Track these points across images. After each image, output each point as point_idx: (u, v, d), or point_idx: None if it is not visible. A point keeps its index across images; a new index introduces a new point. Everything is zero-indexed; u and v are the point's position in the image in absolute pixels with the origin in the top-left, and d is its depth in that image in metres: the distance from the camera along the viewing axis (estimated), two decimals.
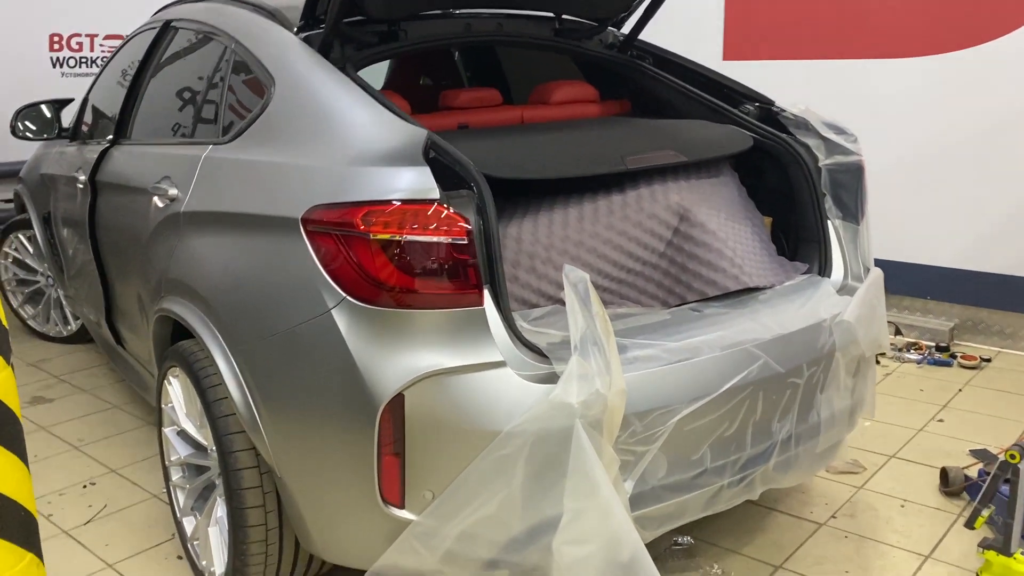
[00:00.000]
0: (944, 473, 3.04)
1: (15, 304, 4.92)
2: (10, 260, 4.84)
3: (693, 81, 3.00)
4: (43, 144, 4.47)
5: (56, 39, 5.80)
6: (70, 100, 4.10)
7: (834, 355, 2.36)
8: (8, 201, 5.15)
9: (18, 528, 1.24)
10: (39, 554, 1.29)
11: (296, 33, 2.50)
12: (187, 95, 2.91)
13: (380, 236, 1.87)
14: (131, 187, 2.96)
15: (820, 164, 2.62)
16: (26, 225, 4.63)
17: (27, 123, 3.91)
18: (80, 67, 5.93)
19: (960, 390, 3.98)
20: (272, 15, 2.64)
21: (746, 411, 2.18)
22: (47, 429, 3.70)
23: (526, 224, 2.27)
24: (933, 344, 4.47)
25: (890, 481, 3.13)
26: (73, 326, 4.75)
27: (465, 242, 1.88)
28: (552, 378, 1.92)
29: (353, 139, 2.08)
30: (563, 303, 2.05)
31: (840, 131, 2.64)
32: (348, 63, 2.44)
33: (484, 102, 2.92)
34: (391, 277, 1.88)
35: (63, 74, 5.85)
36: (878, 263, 2.70)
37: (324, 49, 2.42)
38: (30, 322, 4.89)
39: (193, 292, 2.37)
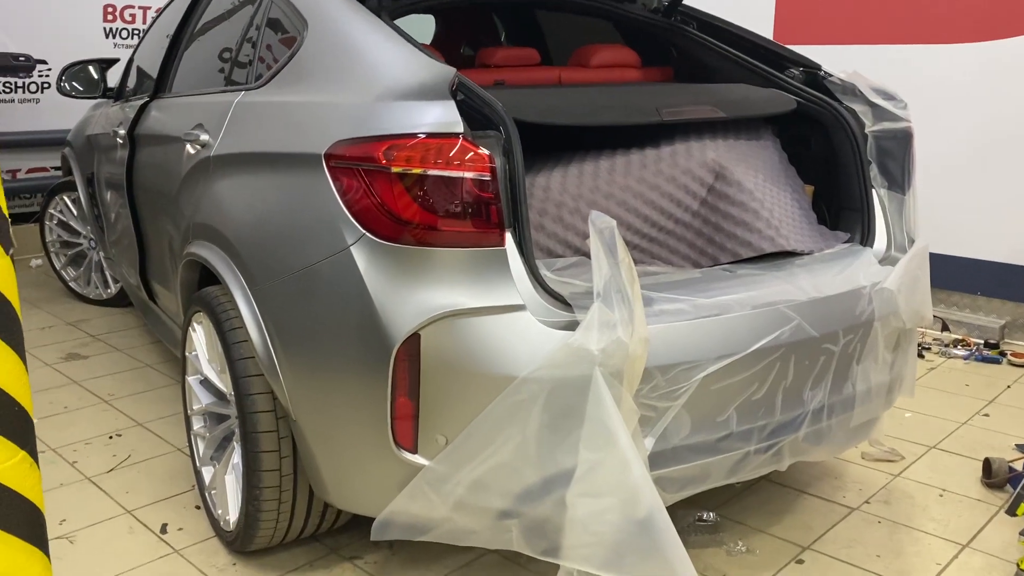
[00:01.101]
0: (987, 464, 2.91)
1: (58, 266, 5.00)
2: (55, 222, 4.92)
3: (739, 46, 2.91)
4: (90, 107, 4.53)
5: (110, 10, 5.89)
6: (116, 60, 4.15)
7: (873, 324, 2.26)
8: (57, 168, 5.24)
9: (12, 422, 1.21)
10: (33, 453, 1.26)
11: None
12: (224, 46, 2.91)
13: (402, 170, 1.83)
14: (167, 136, 2.97)
15: (867, 130, 2.52)
16: (71, 187, 4.70)
17: (74, 82, 3.96)
18: (132, 38, 6.02)
19: (1008, 387, 3.82)
20: None
21: (776, 375, 2.09)
22: (79, 383, 3.74)
23: (555, 174, 2.21)
24: (982, 341, 4.30)
25: (929, 471, 3.00)
26: (112, 289, 4.81)
27: (488, 179, 1.83)
28: (573, 326, 1.86)
29: (380, 75, 2.04)
30: (589, 255, 1.99)
31: (889, 96, 2.53)
32: (383, 11, 2.41)
33: (522, 60, 2.86)
34: (412, 213, 1.83)
35: (115, 45, 5.93)
36: None
37: None
38: (72, 284, 4.97)
39: (218, 234, 2.35)
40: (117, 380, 3.79)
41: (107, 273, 4.79)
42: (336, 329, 1.95)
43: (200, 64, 3.11)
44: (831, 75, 2.66)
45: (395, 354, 1.83)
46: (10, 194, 5.78)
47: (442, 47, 4.10)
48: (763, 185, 2.36)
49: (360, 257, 1.88)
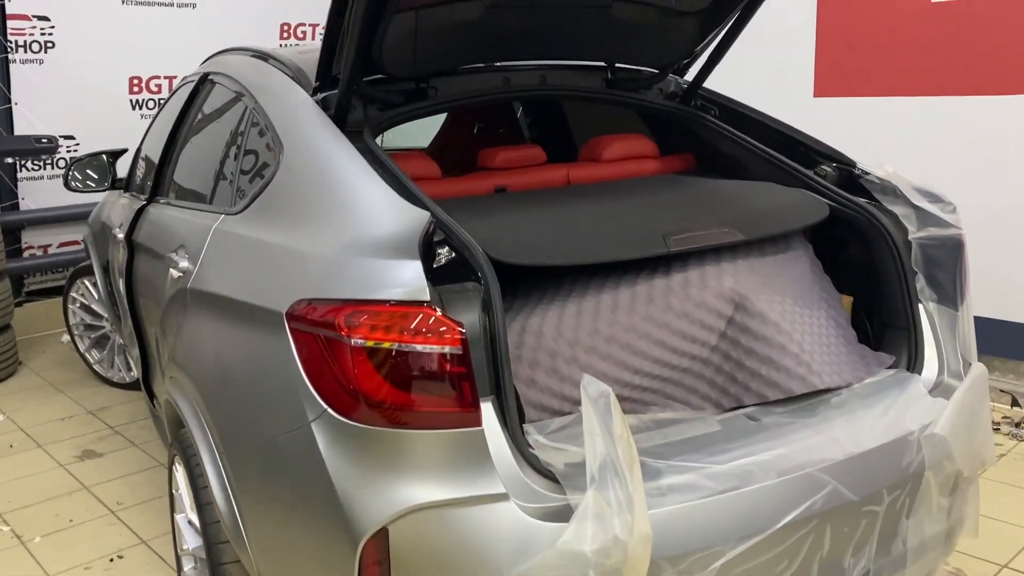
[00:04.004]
0: None
1: (82, 348, 4.94)
2: (77, 305, 4.86)
3: (763, 136, 2.64)
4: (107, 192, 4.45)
5: (135, 81, 5.86)
6: (124, 151, 4.04)
7: (923, 475, 1.96)
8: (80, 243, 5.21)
9: None
10: None
11: (313, 94, 2.29)
12: (211, 156, 2.75)
13: (362, 341, 1.61)
14: (156, 253, 2.82)
15: (910, 237, 2.22)
16: (92, 271, 4.62)
17: (80, 175, 3.86)
18: (159, 109, 5.97)
19: None
20: (291, 72, 2.43)
21: (810, 548, 1.80)
22: (89, 488, 3.61)
23: (549, 315, 1.97)
24: None
25: None
26: (135, 372, 4.71)
27: (460, 352, 1.60)
28: (566, 512, 1.61)
29: (348, 220, 1.84)
30: None
31: (935, 198, 2.23)
32: (367, 127, 2.21)
33: (525, 161, 2.64)
34: (374, 389, 1.62)
35: (142, 116, 5.89)
36: (990, 322, 2.26)
37: (340, 112, 2.19)
38: (96, 367, 4.89)
39: (190, 381, 2.17)
40: (128, 485, 3.65)
41: (128, 356, 4.69)
42: (300, 511, 1.75)
43: (190, 171, 2.96)
44: (868, 173, 2.37)
45: (361, 550, 1.61)
46: (42, 269, 5.77)
47: (456, 123, 3.92)
48: (791, 311, 2.09)
49: (321, 435, 1.67)
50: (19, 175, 5.53)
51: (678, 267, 2.07)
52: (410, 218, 1.74)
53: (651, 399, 2.03)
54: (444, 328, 1.59)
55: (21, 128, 5.40)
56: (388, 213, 1.79)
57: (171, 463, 2.47)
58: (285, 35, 6.49)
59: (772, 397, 2.01)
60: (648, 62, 2.74)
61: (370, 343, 1.61)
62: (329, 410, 1.66)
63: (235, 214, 2.29)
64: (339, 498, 1.63)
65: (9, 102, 5.35)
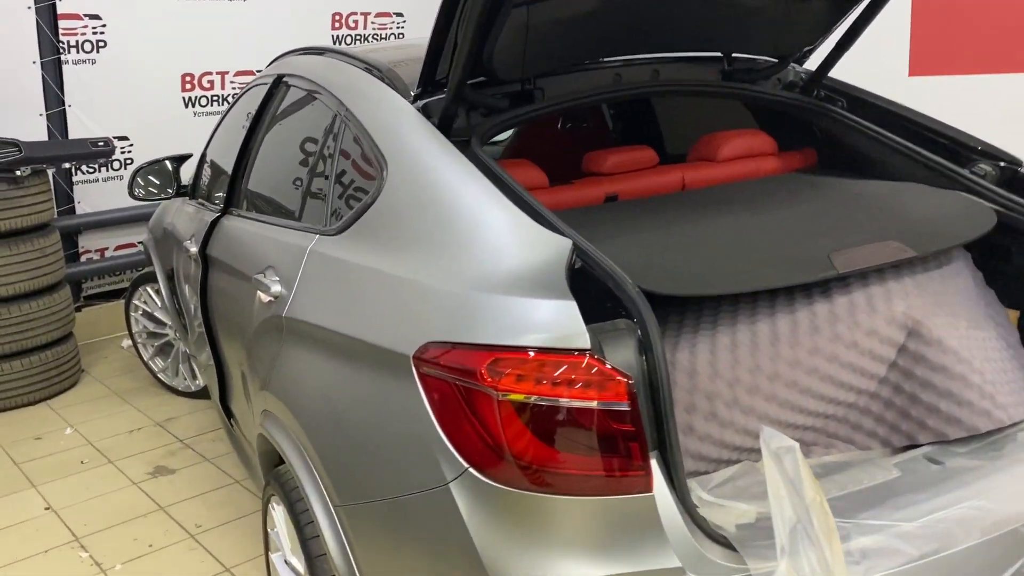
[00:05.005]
0: None
1: (146, 356, 4.82)
2: (140, 313, 4.73)
3: (901, 129, 2.38)
4: None
5: (188, 79, 5.70)
6: (188, 156, 3.88)
7: None
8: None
9: None
10: None
11: (413, 101, 2.09)
12: (295, 167, 2.56)
13: (509, 394, 1.41)
14: (238, 271, 2.64)
15: None
16: (153, 278, 4.49)
17: (143, 182, 3.71)
18: (212, 105, 5.82)
19: None
20: (384, 76, 2.23)
21: None
22: (165, 509, 3.48)
23: (700, 350, 1.74)
24: None
25: None
26: (201, 381, 4.58)
27: (626, 408, 1.39)
28: None
29: (476, 251, 1.62)
30: (753, 454, 1.53)
31: None
32: (474, 135, 2.00)
33: (637, 164, 2.41)
34: (527, 451, 1.41)
35: (195, 114, 5.74)
36: None
37: (446, 121, 1.99)
38: (160, 375, 4.77)
39: (292, 419, 1.99)
40: (205, 504, 3.51)
41: (193, 364, 4.56)
42: None
43: (271, 182, 2.77)
44: None
45: None
46: (100, 272, 5.67)
47: (537, 125, 3.68)
48: (967, 335, 1.84)
49: (463, 499, 1.47)
50: (74, 178, 5.41)
51: (839, 289, 1.83)
52: (551, 247, 1.53)
53: (812, 439, 1.81)
54: (609, 380, 1.38)
55: (75, 131, 5.27)
56: (523, 240, 1.58)
57: (267, 502, 2.30)
58: (337, 24, 6.29)
59: (953, 436, 1.77)
60: (768, 51, 2.49)
61: (520, 397, 1.40)
62: (471, 469, 1.46)
63: (332, 235, 2.09)
64: (486, 571, 1.44)
65: (63, 104, 5.22)
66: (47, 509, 3.51)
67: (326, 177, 2.30)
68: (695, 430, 1.69)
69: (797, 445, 1.40)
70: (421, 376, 1.55)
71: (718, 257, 1.79)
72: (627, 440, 1.39)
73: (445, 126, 1.99)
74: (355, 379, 1.76)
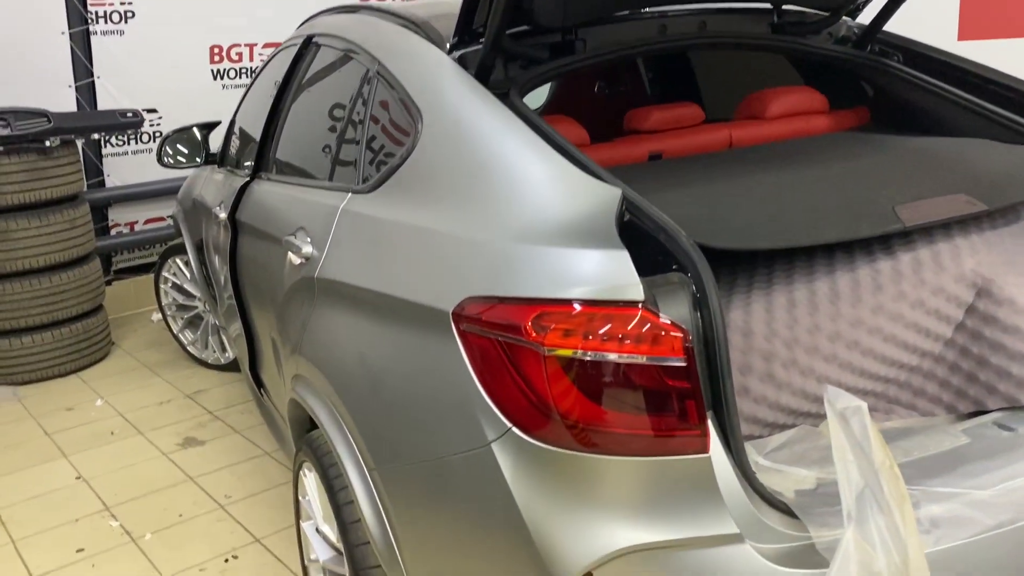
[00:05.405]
0: None
1: (175, 329, 4.80)
2: (169, 285, 4.71)
3: (963, 84, 2.25)
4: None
5: (216, 51, 5.64)
6: (217, 123, 3.82)
7: None
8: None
9: None
10: None
11: (449, 52, 2.00)
12: (327, 126, 2.48)
13: (557, 350, 1.33)
14: (268, 234, 2.57)
15: None
16: (183, 250, 4.45)
17: (172, 150, 3.65)
18: (240, 78, 5.76)
19: None
20: (420, 29, 2.14)
21: None
22: (195, 480, 3.45)
23: (755, 308, 1.64)
24: None
25: None
26: (230, 354, 4.55)
27: (683, 364, 1.30)
28: (808, 555, 1.31)
29: (520, 202, 1.54)
30: (811, 418, 1.44)
31: None
32: (513, 87, 1.91)
33: (681, 122, 2.31)
34: (573, 406, 1.33)
35: (224, 87, 5.68)
36: None
37: (483, 71, 1.89)
38: (189, 348, 4.75)
39: (325, 382, 1.92)
40: (234, 475, 3.48)
41: (223, 337, 4.53)
42: (478, 549, 1.48)
43: (301, 144, 2.70)
44: None
45: None
46: (130, 246, 5.65)
47: (569, 83, 3.58)
48: None
49: (505, 459, 1.39)
50: (103, 151, 5.38)
51: (902, 245, 1.72)
52: (599, 195, 1.44)
53: (871, 404, 1.70)
54: (664, 334, 1.29)
55: (104, 103, 5.24)
56: (569, 190, 1.49)
57: (298, 468, 2.24)
58: None
59: None
60: (819, 3, 2.37)
61: (568, 352, 1.32)
62: (515, 429, 1.38)
63: (365, 192, 2.02)
64: (531, 534, 1.36)
65: (92, 76, 5.19)
66: (78, 478, 3.49)
67: (358, 135, 2.22)
68: (750, 392, 1.59)
69: (865, 405, 1.30)
70: (461, 333, 1.47)
71: (774, 211, 1.68)
72: (682, 398, 1.30)
73: (483, 77, 1.90)
74: (390, 338, 1.69)
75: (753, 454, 1.46)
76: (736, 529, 1.31)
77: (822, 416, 1.51)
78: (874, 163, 1.98)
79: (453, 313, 1.48)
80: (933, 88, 2.25)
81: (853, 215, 1.65)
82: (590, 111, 2.92)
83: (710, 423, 1.34)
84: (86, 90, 5.21)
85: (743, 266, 1.75)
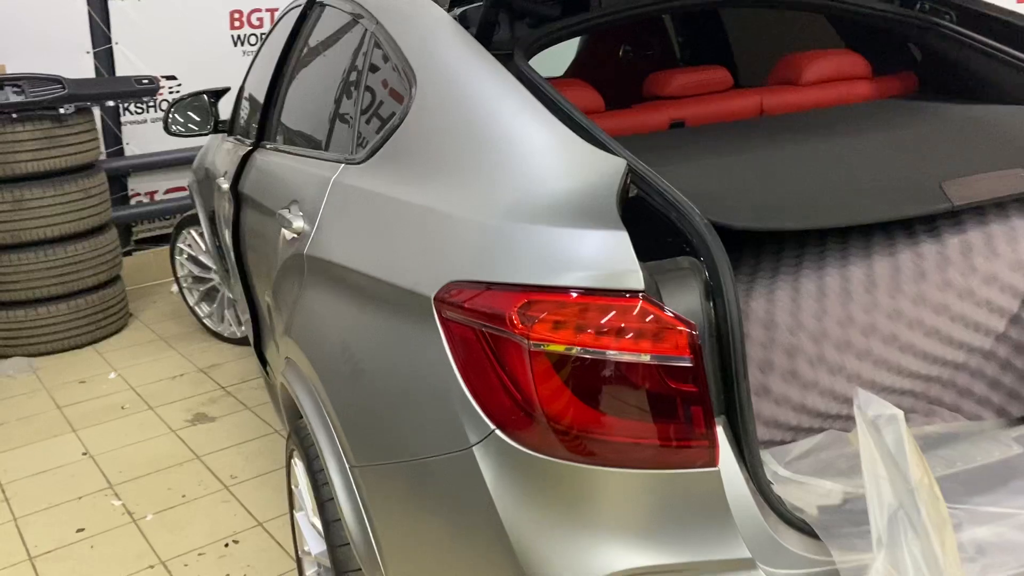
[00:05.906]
0: None
1: (191, 301, 4.72)
2: (184, 256, 4.62)
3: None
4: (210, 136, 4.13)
5: (236, 16, 5.51)
6: (226, 89, 3.68)
7: None
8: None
9: None
10: None
11: (450, 8, 1.82)
12: (325, 93, 2.32)
13: (544, 344, 1.16)
14: (265, 207, 2.43)
15: None
16: (198, 220, 4.35)
17: (180, 117, 3.52)
18: (262, 42, 5.62)
19: None
20: None
21: None
22: (202, 459, 3.36)
23: (779, 298, 1.46)
24: None
25: None
26: (245, 328, 4.45)
27: (688, 364, 1.12)
28: None
29: (512, 175, 1.36)
30: (840, 421, 1.26)
31: None
32: (518, 47, 1.73)
33: (707, 87, 2.11)
34: (563, 410, 1.17)
35: (244, 53, 5.56)
36: None
37: (485, 30, 1.72)
38: (205, 320, 4.67)
39: (310, 368, 1.78)
40: (241, 454, 3.38)
41: (237, 310, 4.43)
42: (460, 564, 1.33)
43: (301, 111, 2.54)
44: None
45: None
46: (148, 216, 5.58)
47: (593, 46, 3.38)
48: None
49: (488, 465, 1.24)
50: (122, 119, 5.29)
51: (950, 227, 1.52)
52: (600, 168, 1.26)
53: (909, 405, 1.52)
54: (667, 329, 1.12)
55: (122, 69, 5.15)
56: (567, 161, 1.32)
57: (289, 456, 2.11)
58: None
59: None
60: None
61: (558, 348, 1.15)
62: (499, 432, 1.22)
63: (357, 163, 1.86)
64: (515, 551, 1.21)
65: (109, 42, 5.08)
66: (84, 455, 3.42)
67: (354, 102, 2.05)
68: (771, 392, 1.41)
69: (901, 414, 1.12)
70: (443, 321, 1.31)
71: (804, 187, 1.49)
72: (688, 403, 1.13)
73: (485, 36, 1.72)
74: (374, 324, 1.53)
75: (772, 463, 1.29)
76: (748, 553, 1.14)
77: (853, 419, 1.33)
78: (920, 134, 1.76)
79: (435, 298, 1.32)
80: (991, 51, 2.02)
81: (894, 192, 1.45)
82: (614, 77, 2.72)
83: (720, 431, 1.17)
84: (104, 56, 5.12)
85: (769, 249, 1.56)
